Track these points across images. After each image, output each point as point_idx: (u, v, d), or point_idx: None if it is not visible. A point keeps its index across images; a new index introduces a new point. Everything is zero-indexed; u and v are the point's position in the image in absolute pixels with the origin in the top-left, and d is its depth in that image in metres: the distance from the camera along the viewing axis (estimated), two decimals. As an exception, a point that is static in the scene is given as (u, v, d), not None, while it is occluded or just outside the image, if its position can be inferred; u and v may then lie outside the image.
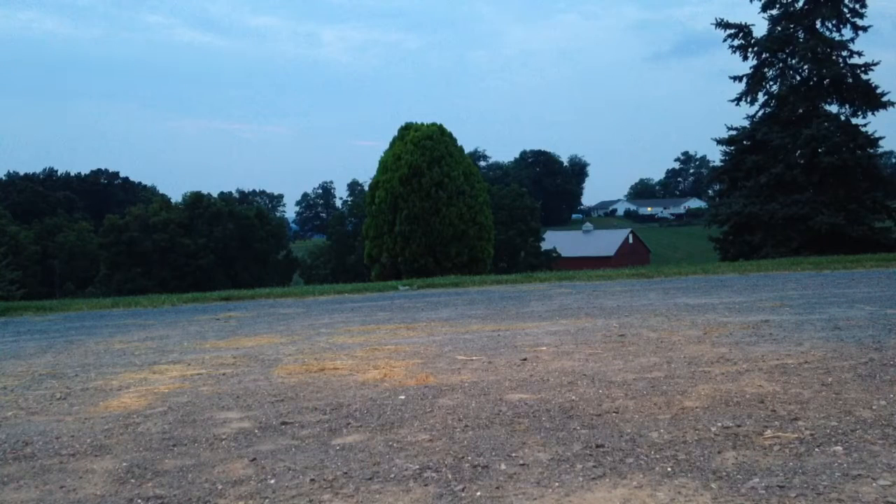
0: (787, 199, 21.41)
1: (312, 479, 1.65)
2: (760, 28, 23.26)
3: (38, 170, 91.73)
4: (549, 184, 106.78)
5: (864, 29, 22.71)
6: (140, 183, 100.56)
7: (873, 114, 22.51)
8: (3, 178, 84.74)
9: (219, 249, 52.32)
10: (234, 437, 2.07)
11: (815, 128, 21.89)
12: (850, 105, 22.93)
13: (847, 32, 22.72)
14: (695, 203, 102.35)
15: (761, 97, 23.53)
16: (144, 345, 4.32)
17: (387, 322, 4.78)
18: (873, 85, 22.32)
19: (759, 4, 23.39)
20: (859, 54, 22.63)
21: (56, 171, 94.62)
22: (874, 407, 2.01)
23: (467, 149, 17.75)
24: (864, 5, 22.64)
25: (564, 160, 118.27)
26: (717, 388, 2.32)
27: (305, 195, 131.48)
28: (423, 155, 15.92)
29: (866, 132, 22.68)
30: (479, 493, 1.51)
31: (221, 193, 65.91)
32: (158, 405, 2.54)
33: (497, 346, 3.59)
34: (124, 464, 1.86)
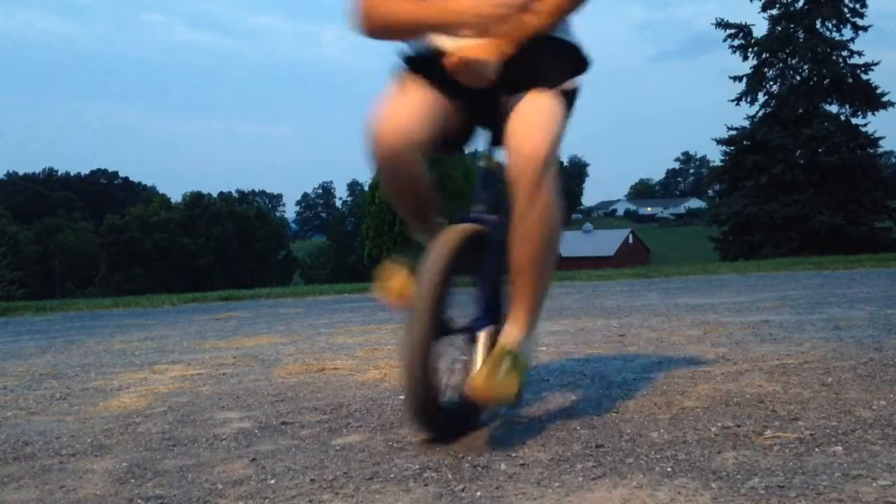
0: (787, 199, 21.45)
1: (312, 479, 1.65)
2: (760, 28, 23.32)
3: (38, 170, 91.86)
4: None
5: (865, 29, 22.75)
6: (140, 183, 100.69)
7: (873, 114, 22.56)
8: (3, 178, 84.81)
9: (219, 249, 52.36)
10: (234, 437, 2.07)
11: (815, 128, 21.93)
12: (850, 105, 22.97)
13: (847, 32, 22.79)
14: (695, 203, 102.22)
15: (761, 97, 23.57)
16: (144, 345, 4.32)
17: (387, 322, 4.78)
18: (873, 85, 22.36)
19: (759, 4, 23.44)
20: (859, 54, 22.68)
21: (56, 171, 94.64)
22: (874, 407, 2.01)
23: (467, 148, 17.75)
24: (864, 5, 22.69)
25: (564, 160, 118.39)
26: (717, 388, 2.32)
27: (305, 195, 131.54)
28: (423, 155, 15.95)
29: (866, 132, 22.70)
30: (479, 494, 1.51)
31: (221, 193, 65.92)
32: (158, 405, 2.54)
33: (497, 346, 3.58)
34: (124, 464, 1.86)
